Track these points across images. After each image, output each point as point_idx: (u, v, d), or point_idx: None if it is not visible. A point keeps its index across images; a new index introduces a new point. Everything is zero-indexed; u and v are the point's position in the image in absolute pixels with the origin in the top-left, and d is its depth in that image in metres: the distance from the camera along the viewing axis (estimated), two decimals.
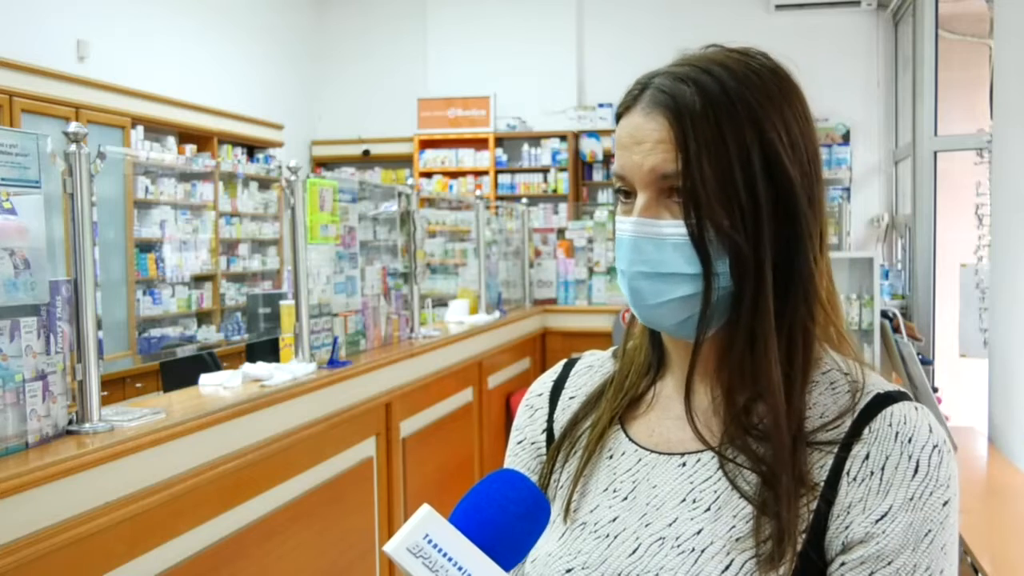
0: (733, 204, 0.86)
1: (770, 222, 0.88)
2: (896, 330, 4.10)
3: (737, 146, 0.86)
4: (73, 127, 2.30)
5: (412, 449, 4.06)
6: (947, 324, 5.90)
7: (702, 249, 0.87)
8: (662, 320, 0.92)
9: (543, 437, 1.07)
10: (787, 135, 0.89)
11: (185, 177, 7.16)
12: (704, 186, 0.86)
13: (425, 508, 0.81)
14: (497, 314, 5.97)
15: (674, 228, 0.88)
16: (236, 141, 8.16)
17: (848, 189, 8.88)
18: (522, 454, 1.07)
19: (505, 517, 0.82)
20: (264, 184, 8.28)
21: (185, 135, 7.46)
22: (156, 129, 7.01)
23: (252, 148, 8.49)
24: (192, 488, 2.47)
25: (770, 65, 0.91)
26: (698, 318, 0.89)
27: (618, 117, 0.94)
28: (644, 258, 0.89)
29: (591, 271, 7.35)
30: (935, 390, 4.37)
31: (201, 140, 7.57)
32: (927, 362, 4.87)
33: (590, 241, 7.44)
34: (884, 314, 4.24)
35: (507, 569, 0.82)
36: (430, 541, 0.79)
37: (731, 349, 0.90)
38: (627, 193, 0.92)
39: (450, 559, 0.79)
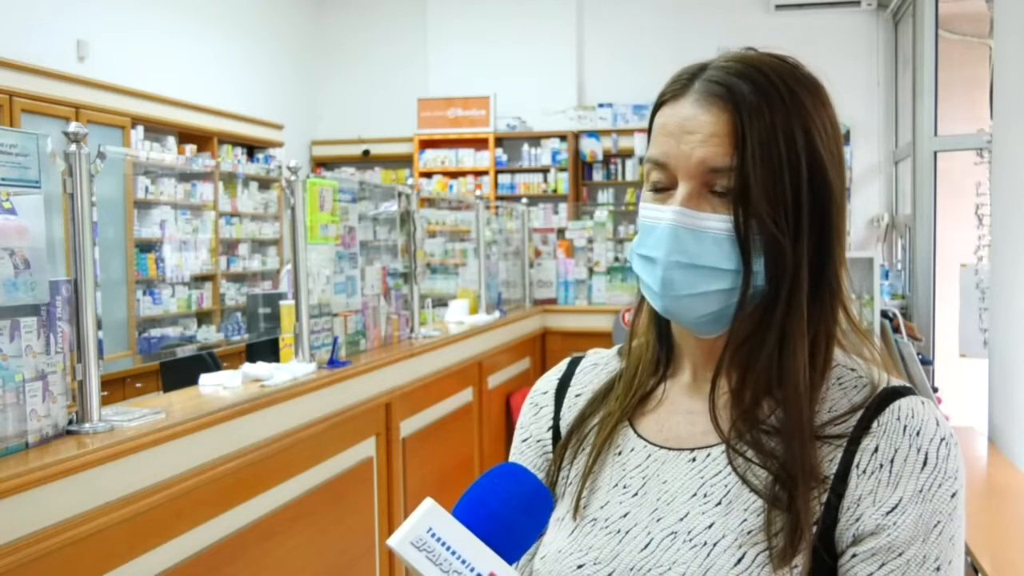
0: (779, 204, 0.87)
1: (809, 226, 0.89)
2: (896, 330, 4.10)
3: (788, 148, 0.87)
4: (73, 127, 2.30)
5: (412, 449, 4.06)
6: (947, 324, 5.90)
7: (745, 246, 0.88)
8: (686, 312, 0.92)
9: (549, 435, 1.07)
10: (828, 143, 0.91)
11: (185, 177, 7.16)
12: (756, 184, 0.86)
13: (428, 502, 0.81)
14: (497, 314, 5.97)
15: (717, 222, 0.88)
16: (236, 141, 8.16)
17: (848, 189, 8.86)
18: (528, 452, 1.08)
19: (508, 510, 0.83)
20: (264, 184, 8.28)
21: (185, 135, 7.46)
22: (156, 129, 7.01)
23: (252, 148, 8.49)
24: (192, 488, 2.47)
25: (808, 74, 0.93)
26: (733, 313, 0.90)
27: (659, 104, 0.94)
28: (682, 248, 0.89)
29: (591, 271, 7.35)
30: (935, 390, 4.37)
31: (201, 140, 7.57)
32: (927, 362, 4.87)
33: (590, 241, 7.44)
34: (884, 314, 4.24)
35: (511, 562, 0.82)
36: (433, 535, 0.80)
37: (758, 349, 0.91)
38: (659, 182, 0.92)
39: (453, 552, 0.79)
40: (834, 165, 0.91)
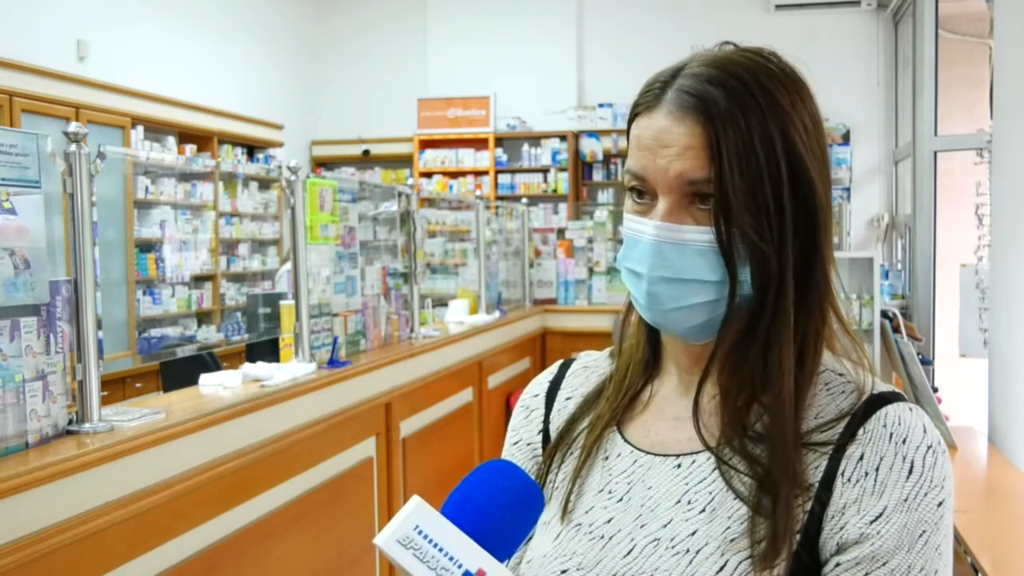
0: (761, 212, 0.86)
1: (793, 230, 0.88)
2: (896, 330, 4.10)
3: (767, 155, 0.86)
4: (73, 127, 2.30)
5: (412, 449, 4.06)
6: (947, 324, 5.90)
7: (730, 257, 0.87)
8: (676, 324, 0.91)
9: (539, 438, 1.07)
10: (809, 142, 0.88)
11: (185, 177, 7.15)
12: (735, 195, 0.85)
13: (415, 499, 0.80)
14: (497, 314, 5.97)
15: (699, 235, 0.87)
16: (236, 141, 8.16)
17: (848, 189, 8.88)
18: (518, 455, 1.07)
19: (496, 506, 0.82)
20: (264, 184, 8.28)
21: (185, 135, 7.46)
22: (156, 129, 7.01)
23: (252, 148, 8.49)
24: (192, 488, 2.47)
25: (786, 67, 0.91)
26: (720, 323, 0.89)
27: (635, 114, 0.92)
28: (666, 263, 0.88)
29: (591, 271, 7.35)
30: (935, 390, 4.36)
31: (201, 140, 7.57)
32: (927, 362, 4.86)
33: (590, 241, 7.44)
34: (884, 314, 4.24)
35: (503, 559, 0.81)
36: (420, 532, 0.79)
37: (744, 355, 0.90)
38: (640, 192, 0.91)
39: (441, 549, 0.79)
40: (816, 163, 0.89)
